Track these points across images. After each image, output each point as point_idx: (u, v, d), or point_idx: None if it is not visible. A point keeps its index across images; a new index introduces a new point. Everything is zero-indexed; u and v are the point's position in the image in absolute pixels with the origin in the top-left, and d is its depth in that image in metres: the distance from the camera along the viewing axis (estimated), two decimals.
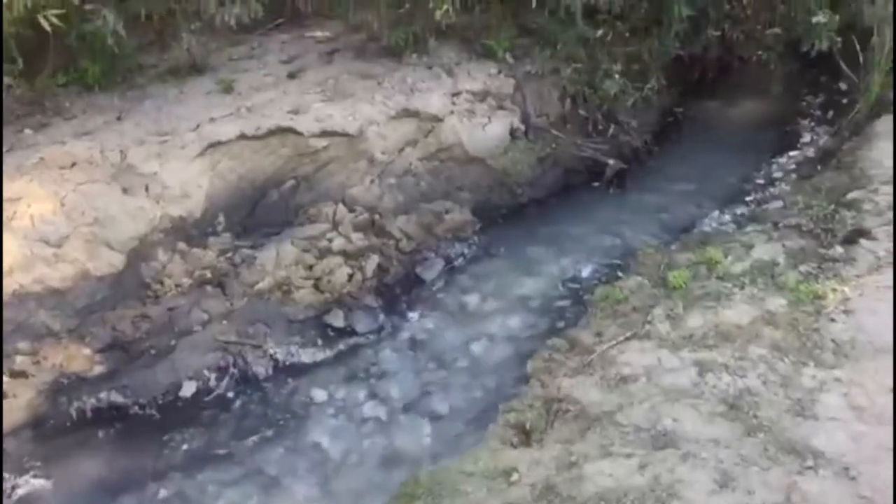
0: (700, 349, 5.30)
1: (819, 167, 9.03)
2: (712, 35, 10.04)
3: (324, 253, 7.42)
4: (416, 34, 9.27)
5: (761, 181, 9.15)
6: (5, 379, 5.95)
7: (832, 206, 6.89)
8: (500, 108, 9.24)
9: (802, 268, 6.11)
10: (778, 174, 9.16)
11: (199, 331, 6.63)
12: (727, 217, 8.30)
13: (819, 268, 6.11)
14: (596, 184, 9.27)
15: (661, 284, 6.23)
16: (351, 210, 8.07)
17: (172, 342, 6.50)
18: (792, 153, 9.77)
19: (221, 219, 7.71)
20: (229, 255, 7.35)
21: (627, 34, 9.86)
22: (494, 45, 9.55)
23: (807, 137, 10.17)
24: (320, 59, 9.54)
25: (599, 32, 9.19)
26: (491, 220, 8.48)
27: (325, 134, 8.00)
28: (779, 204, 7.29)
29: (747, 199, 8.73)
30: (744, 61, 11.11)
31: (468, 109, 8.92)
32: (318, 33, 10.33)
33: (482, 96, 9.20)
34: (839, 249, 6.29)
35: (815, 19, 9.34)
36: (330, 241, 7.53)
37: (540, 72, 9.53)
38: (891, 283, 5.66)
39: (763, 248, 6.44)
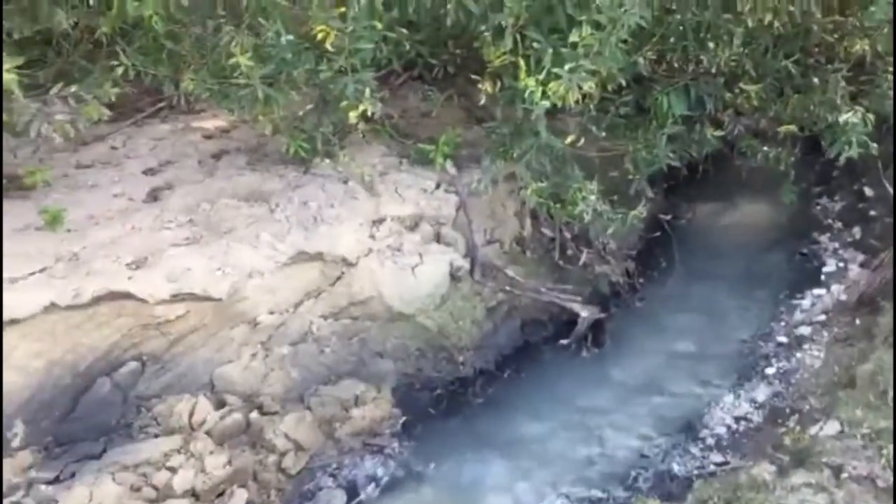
0: None
1: (858, 321, 6.82)
2: (710, 134, 7.77)
3: (162, 494, 4.96)
4: (326, 136, 6.90)
5: (783, 339, 6.90)
6: None
7: None
8: (438, 239, 6.91)
9: None
10: (804, 329, 6.92)
11: None
12: (745, 406, 6.02)
13: None
14: (565, 341, 6.93)
15: None
16: (219, 405, 5.65)
17: None
18: (816, 291, 7.55)
19: (19, 428, 5.26)
20: (19, 496, 4.85)
21: (604, 134, 7.59)
22: (432, 150, 7.20)
23: (831, 265, 7.98)
24: (201, 166, 7.14)
25: (569, 139, 6.86)
26: (420, 410, 6.11)
27: (179, 299, 5.57)
28: (834, 428, 4.97)
29: (768, 371, 6.46)
30: (745, 157, 8.93)
31: (392, 245, 6.56)
32: (209, 124, 7.94)
33: (413, 223, 6.86)
34: None
35: (841, 118, 7.11)
36: (173, 470, 5.07)
37: (491, 183, 7.20)
38: None
39: None
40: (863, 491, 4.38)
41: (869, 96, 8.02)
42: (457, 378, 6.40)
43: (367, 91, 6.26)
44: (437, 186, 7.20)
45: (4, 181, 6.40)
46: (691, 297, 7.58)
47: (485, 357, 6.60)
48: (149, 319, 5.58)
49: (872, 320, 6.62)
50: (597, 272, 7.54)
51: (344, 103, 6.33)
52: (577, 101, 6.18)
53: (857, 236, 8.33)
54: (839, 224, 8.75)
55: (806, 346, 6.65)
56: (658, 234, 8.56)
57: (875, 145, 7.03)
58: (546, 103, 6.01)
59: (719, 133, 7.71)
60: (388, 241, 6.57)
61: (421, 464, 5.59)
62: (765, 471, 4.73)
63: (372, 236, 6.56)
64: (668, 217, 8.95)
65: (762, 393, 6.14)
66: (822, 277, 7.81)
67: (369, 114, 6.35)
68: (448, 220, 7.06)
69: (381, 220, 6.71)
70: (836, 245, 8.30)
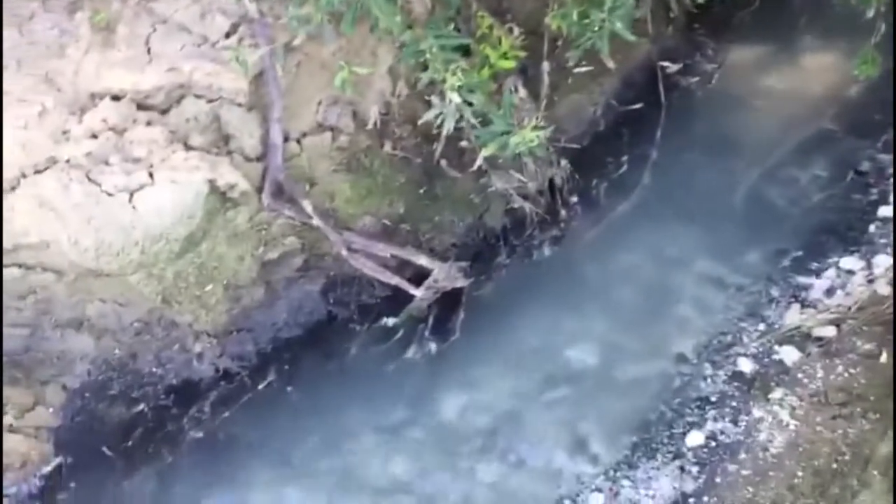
0: None
1: (883, 353, 3.97)
2: None
3: None
4: None
5: (748, 365, 4.15)
6: None
7: None
8: (219, 129, 4.19)
9: None
10: (788, 352, 4.11)
11: None
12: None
13: None
14: (391, 320, 4.36)
15: None
16: None
17: None
18: (846, 262, 4.57)
19: None
20: None
21: None
22: None
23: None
24: None
25: None
26: (93, 448, 3.83)
27: None
28: None
29: (690, 441, 3.86)
30: None
31: (98, 153, 3.91)
32: None
33: (165, 103, 4.15)
34: None
35: None
36: None
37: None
38: None
39: None
40: None
41: None
42: (183, 383, 4.01)
43: None
44: (233, 31, 4.29)
45: None
46: (643, 243, 4.72)
47: (240, 348, 4.13)
48: None
49: None
50: (490, 189, 4.69)
51: None
52: None
53: None
54: None
55: (775, 397, 3.90)
56: (645, 102, 5.42)
57: None
58: None
59: None
60: (90, 145, 3.90)
61: None
62: None
63: (65, 134, 3.90)
64: (675, 67, 5.74)
65: (657, 497, 3.59)
66: (871, 228, 4.73)
67: None
68: (238, 94, 4.24)
69: (92, 101, 4.00)
70: None
